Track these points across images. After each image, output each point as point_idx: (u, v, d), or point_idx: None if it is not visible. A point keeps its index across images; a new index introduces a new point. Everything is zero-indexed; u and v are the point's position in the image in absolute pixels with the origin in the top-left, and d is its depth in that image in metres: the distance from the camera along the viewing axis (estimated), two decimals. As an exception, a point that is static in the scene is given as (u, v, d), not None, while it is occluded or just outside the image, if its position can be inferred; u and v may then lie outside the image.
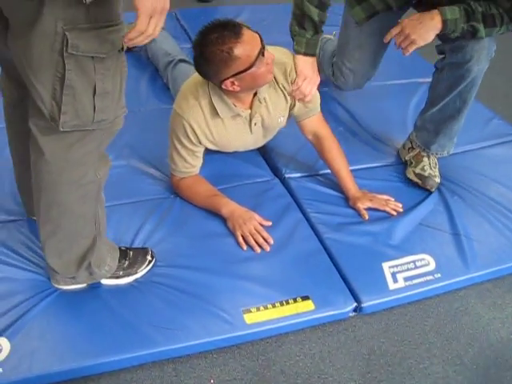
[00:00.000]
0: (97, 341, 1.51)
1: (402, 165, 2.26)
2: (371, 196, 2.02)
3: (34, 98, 1.21)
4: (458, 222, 2.00)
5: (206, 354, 1.59)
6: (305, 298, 1.67)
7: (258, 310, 1.63)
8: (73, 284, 1.61)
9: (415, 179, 2.15)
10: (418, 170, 2.15)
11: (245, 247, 1.81)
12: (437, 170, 2.18)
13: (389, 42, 1.98)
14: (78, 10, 1.09)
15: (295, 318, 1.64)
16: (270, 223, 1.88)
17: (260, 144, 2.15)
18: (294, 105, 1.99)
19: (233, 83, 1.73)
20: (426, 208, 2.06)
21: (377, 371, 1.61)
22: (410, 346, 1.69)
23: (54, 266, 1.55)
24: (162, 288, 1.66)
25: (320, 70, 2.05)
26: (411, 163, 2.21)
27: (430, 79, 2.13)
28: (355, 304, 1.70)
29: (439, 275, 1.81)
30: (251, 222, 1.84)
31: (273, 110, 1.95)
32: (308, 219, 1.95)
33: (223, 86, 1.75)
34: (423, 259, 1.85)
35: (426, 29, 1.79)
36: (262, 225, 1.86)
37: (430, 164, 2.16)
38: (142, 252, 1.71)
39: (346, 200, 2.03)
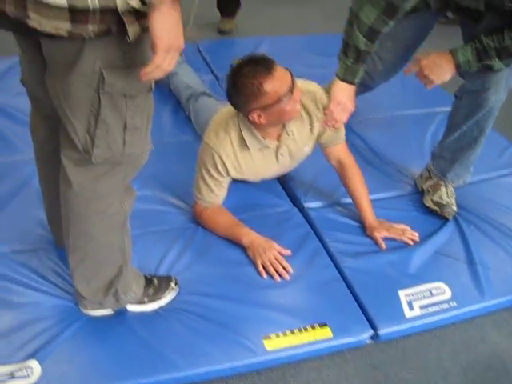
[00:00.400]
0: (122, 364, 1.56)
1: (418, 194, 2.30)
2: (388, 226, 2.06)
3: (69, 131, 1.28)
4: (473, 250, 2.02)
5: (227, 380, 1.63)
6: (323, 325, 1.71)
7: (278, 336, 1.67)
8: (100, 309, 1.67)
9: (433, 207, 2.18)
10: (435, 198, 2.19)
11: (265, 276, 1.86)
12: (454, 199, 2.21)
13: (421, 42, 2.04)
14: (116, 51, 1.17)
15: (313, 345, 1.68)
16: (289, 252, 1.93)
17: (285, 172, 2.21)
18: (323, 133, 2.04)
19: (259, 116, 1.80)
20: (442, 237, 2.09)
21: (393, 398, 1.64)
22: (426, 373, 1.71)
23: (82, 292, 1.61)
24: (184, 315, 1.71)
25: None
26: (428, 192, 2.24)
27: (447, 108, 2.17)
28: (372, 331, 1.73)
29: (455, 303, 1.83)
30: (271, 252, 1.89)
31: (299, 141, 2.02)
32: (326, 248, 1.99)
33: (250, 118, 1.82)
34: (439, 287, 1.88)
35: (443, 71, 1.86)
36: (281, 254, 1.91)
37: (447, 193, 2.20)
38: (166, 280, 1.77)
39: (364, 229, 2.08)
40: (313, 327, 1.71)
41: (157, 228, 2.02)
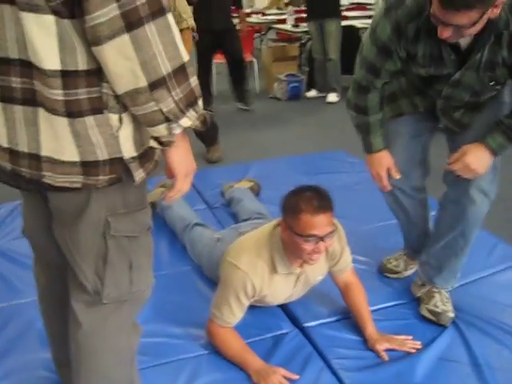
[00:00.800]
0: None
1: (415, 301, 2.32)
2: (389, 337, 2.07)
3: (77, 274, 1.35)
4: (477, 352, 2.02)
5: None
6: None
7: None
8: None
9: (429, 316, 2.19)
10: (430, 307, 2.20)
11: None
12: (449, 304, 2.22)
13: (423, 146, 2.17)
14: (118, 197, 1.28)
15: None
16: (296, 377, 1.91)
17: (293, 299, 2.24)
18: (336, 264, 2.14)
19: (285, 229, 1.92)
20: (444, 342, 2.08)
21: None
22: None
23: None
24: None
25: None
26: (423, 299, 2.26)
27: (434, 213, 2.24)
28: None
29: (465, 410, 1.82)
30: (275, 376, 1.88)
31: (317, 270, 2.12)
32: (330, 366, 1.99)
33: (281, 224, 1.95)
34: (447, 395, 1.86)
35: (484, 161, 1.93)
36: (288, 378, 1.89)
37: (441, 300, 2.21)
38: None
39: (365, 342, 2.09)
40: None
41: (161, 360, 2.01)
